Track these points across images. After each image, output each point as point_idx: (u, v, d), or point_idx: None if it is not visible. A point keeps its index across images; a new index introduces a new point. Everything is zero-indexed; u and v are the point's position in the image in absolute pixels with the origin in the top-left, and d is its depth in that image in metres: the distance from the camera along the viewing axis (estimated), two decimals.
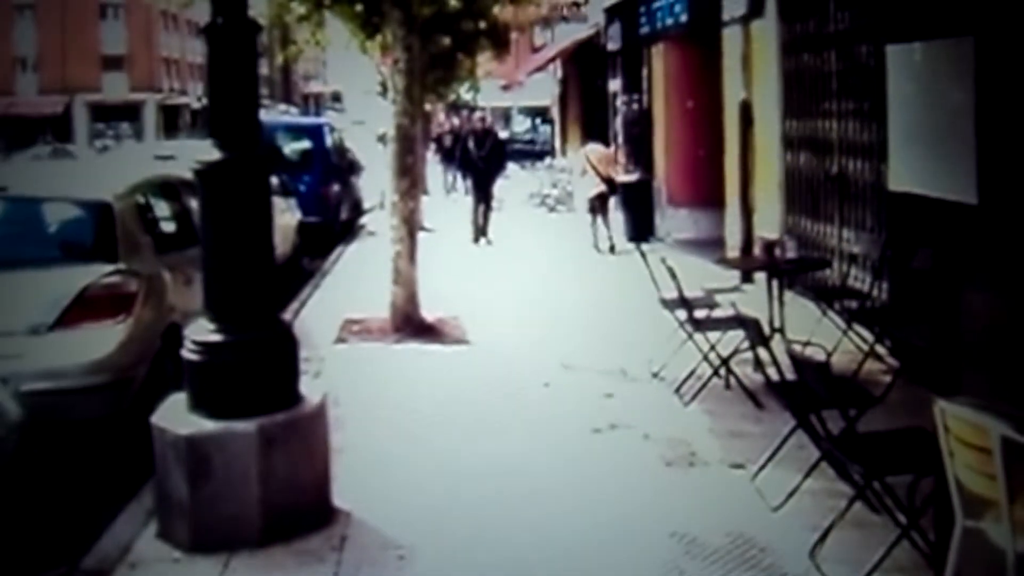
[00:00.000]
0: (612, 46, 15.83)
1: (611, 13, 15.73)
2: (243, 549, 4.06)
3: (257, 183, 4.29)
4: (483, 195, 14.42)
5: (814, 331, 6.67)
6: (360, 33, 8.81)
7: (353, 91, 51.86)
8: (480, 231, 14.27)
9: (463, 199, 19.56)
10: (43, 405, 5.06)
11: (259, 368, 4.20)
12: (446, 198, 21.23)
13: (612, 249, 12.84)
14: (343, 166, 16.68)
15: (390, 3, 7.86)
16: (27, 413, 4.99)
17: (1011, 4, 5.63)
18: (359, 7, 8.25)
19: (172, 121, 59.02)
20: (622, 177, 14.75)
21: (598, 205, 13.18)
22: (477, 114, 17.91)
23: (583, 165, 13.66)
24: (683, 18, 11.84)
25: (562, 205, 18.23)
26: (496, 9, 9.82)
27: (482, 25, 9.89)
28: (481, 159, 14.47)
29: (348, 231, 16.06)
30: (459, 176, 21.27)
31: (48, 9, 54.77)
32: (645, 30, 13.55)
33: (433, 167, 23.14)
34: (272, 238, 4.44)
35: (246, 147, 4.20)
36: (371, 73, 23.09)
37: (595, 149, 13.97)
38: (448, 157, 22.82)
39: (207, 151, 4.23)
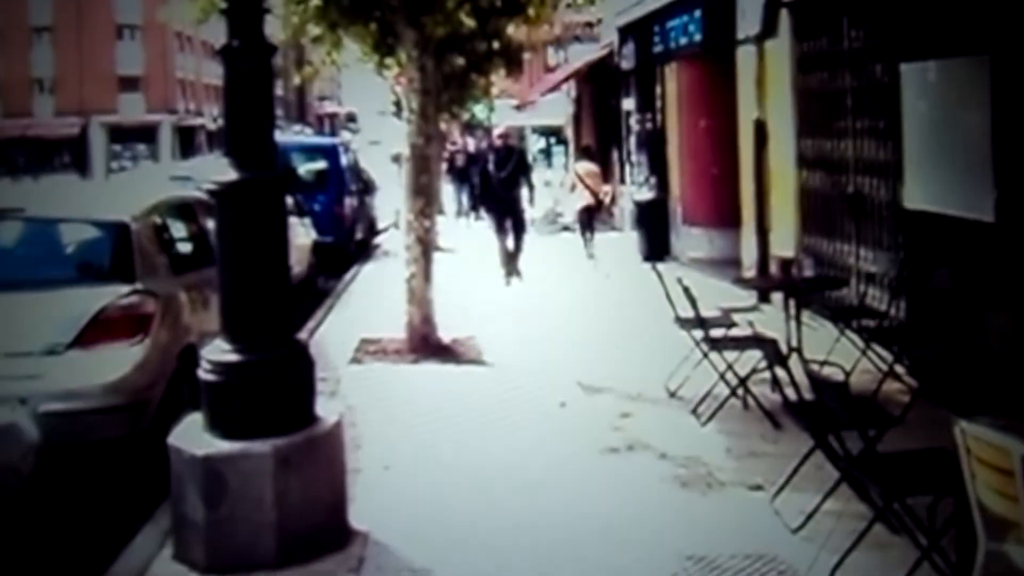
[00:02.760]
0: (626, 65, 15.87)
1: (625, 32, 15.78)
2: (259, 570, 4.05)
3: (273, 203, 4.30)
4: (507, 222, 12.27)
5: (832, 351, 6.64)
6: (375, 54, 8.85)
7: (367, 111, 52.13)
8: (510, 267, 12.15)
9: (475, 223, 18.81)
10: (60, 426, 5.08)
11: (275, 388, 4.20)
12: (457, 221, 20.37)
13: (591, 256, 13.99)
14: (358, 186, 16.74)
15: (404, 23, 7.90)
16: (44, 434, 5.01)
17: None
18: (373, 27, 8.29)
19: (188, 142, 59.48)
20: (637, 196, 14.80)
21: (586, 219, 14.37)
22: (497, 130, 15.66)
23: (572, 180, 14.93)
24: (697, 37, 11.86)
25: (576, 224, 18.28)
26: (510, 29, 9.86)
27: (496, 45, 9.91)
28: (502, 181, 12.18)
29: (363, 251, 16.10)
30: (467, 198, 20.26)
31: (65, 31, 55.39)
32: (659, 49, 13.59)
33: (445, 188, 22.39)
34: (288, 258, 4.45)
35: (262, 167, 4.22)
36: (386, 93, 23.15)
37: (584, 166, 15.10)
38: (460, 178, 21.67)
39: (223, 171, 4.26)
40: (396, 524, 4.55)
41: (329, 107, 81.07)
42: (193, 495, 4.13)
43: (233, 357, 4.20)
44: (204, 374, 4.26)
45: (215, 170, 4.36)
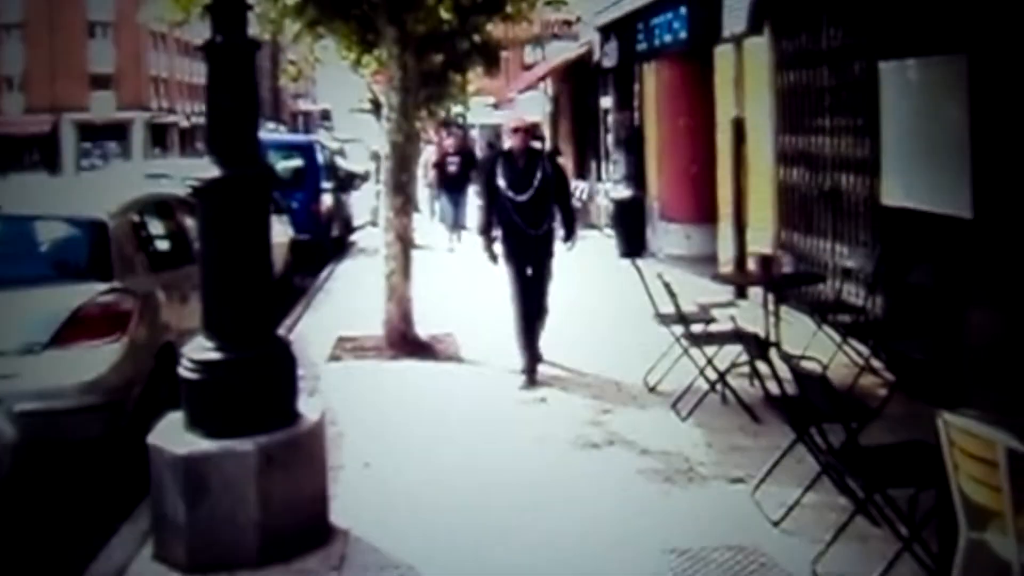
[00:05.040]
0: (608, 63, 15.87)
1: (607, 31, 15.78)
2: (241, 569, 4.03)
3: (256, 200, 4.28)
4: (532, 286, 7.13)
5: (809, 345, 6.69)
6: (354, 51, 8.83)
7: (342, 109, 51.90)
8: (531, 366, 7.10)
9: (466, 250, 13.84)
10: (37, 425, 5.04)
11: (257, 386, 4.18)
12: (450, 245, 15.78)
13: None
14: (334, 183, 16.64)
15: (385, 21, 7.89)
16: (21, 434, 4.97)
17: (1003, 22, 5.68)
18: (353, 24, 8.27)
19: (160, 140, 58.99)
20: (614, 193, 14.85)
21: None
22: (512, 121, 9.30)
23: None
24: (682, 35, 11.85)
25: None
26: (489, 27, 9.86)
27: (476, 39, 9.88)
28: (524, 209, 6.98)
29: (339, 249, 16.05)
30: (461, 211, 16.14)
31: (36, 28, 54.73)
32: (643, 47, 13.59)
33: (425, 202, 18.62)
34: (271, 255, 4.43)
35: (245, 164, 4.19)
36: (360, 91, 23.02)
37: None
38: (453, 187, 16.51)
39: (201, 169, 4.23)
40: (377, 521, 4.54)
41: (304, 105, 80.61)
42: (174, 494, 4.10)
43: (215, 355, 4.17)
44: (185, 372, 4.23)
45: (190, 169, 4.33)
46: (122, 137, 56.50)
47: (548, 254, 7.18)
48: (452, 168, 16.90)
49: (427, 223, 18.01)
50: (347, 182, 18.49)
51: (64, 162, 53.57)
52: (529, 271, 7.12)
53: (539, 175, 7.01)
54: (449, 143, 17.91)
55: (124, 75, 57.21)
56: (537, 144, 8.92)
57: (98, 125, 56.00)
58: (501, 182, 7.02)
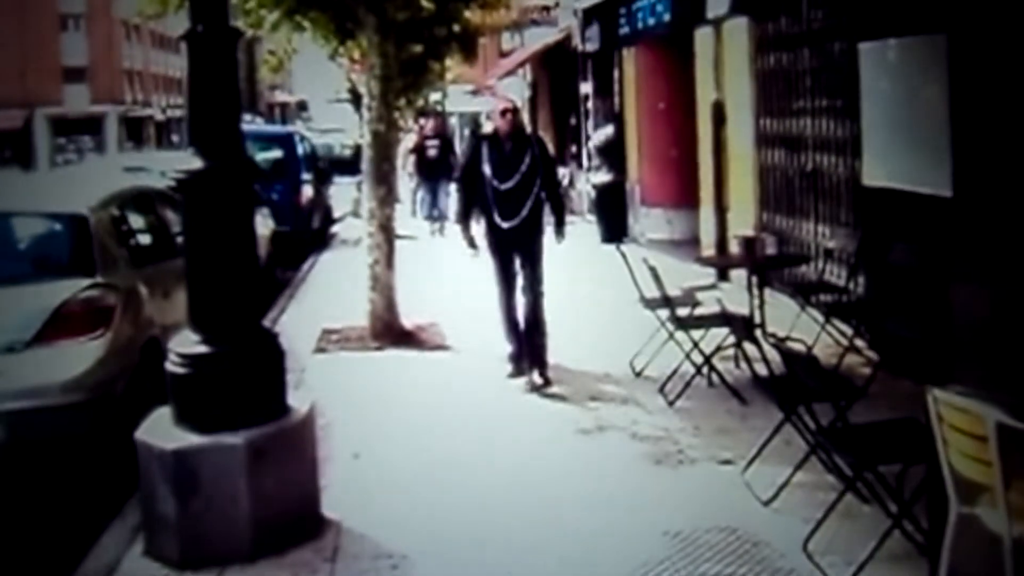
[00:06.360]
0: (590, 47, 15.83)
1: (588, 15, 15.73)
2: (234, 564, 4.01)
3: (240, 191, 4.24)
4: (515, 268, 6.78)
5: (793, 326, 6.73)
6: (333, 40, 8.77)
7: (319, 100, 51.60)
8: (521, 364, 6.84)
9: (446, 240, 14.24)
10: (21, 424, 4.99)
11: (246, 379, 4.15)
12: (431, 236, 15.79)
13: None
14: (313, 175, 16.51)
15: (364, 9, 7.84)
16: (5, 433, 4.93)
17: (981, 2, 5.71)
18: (331, 14, 8.21)
19: (136, 134, 58.45)
20: (595, 179, 14.84)
21: None
22: (498, 102, 8.12)
23: None
24: (666, 17, 11.83)
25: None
26: (467, 14, 9.82)
27: (455, 28, 9.85)
28: (507, 197, 6.60)
29: (320, 240, 15.98)
30: (443, 200, 15.83)
31: (6, 21, 53.94)
32: (625, 31, 13.57)
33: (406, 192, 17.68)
34: (256, 247, 4.40)
35: (229, 155, 4.16)
36: (336, 82, 22.81)
37: None
38: (434, 173, 16.26)
39: (179, 162, 4.20)
40: (369, 512, 4.54)
41: (280, 96, 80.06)
42: (164, 490, 4.07)
43: (202, 348, 4.15)
44: (172, 366, 4.20)
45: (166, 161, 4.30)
46: (96, 131, 55.94)
47: (535, 244, 6.70)
48: (431, 152, 16.66)
49: (408, 215, 17.92)
50: (329, 173, 18.34)
51: (38, 157, 52.99)
52: (517, 261, 6.72)
53: (527, 160, 6.58)
54: (428, 127, 17.75)
55: (98, 68, 56.62)
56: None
57: (72, 119, 55.40)
58: (486, 168, 6.57)
